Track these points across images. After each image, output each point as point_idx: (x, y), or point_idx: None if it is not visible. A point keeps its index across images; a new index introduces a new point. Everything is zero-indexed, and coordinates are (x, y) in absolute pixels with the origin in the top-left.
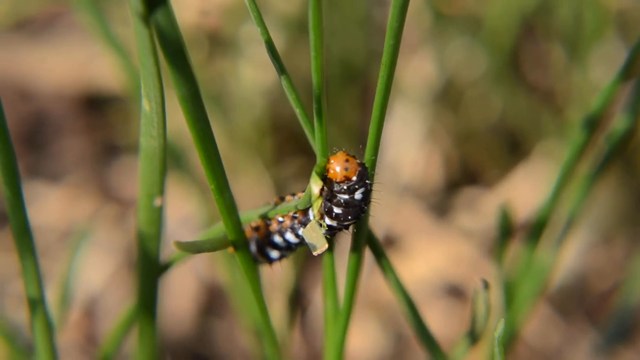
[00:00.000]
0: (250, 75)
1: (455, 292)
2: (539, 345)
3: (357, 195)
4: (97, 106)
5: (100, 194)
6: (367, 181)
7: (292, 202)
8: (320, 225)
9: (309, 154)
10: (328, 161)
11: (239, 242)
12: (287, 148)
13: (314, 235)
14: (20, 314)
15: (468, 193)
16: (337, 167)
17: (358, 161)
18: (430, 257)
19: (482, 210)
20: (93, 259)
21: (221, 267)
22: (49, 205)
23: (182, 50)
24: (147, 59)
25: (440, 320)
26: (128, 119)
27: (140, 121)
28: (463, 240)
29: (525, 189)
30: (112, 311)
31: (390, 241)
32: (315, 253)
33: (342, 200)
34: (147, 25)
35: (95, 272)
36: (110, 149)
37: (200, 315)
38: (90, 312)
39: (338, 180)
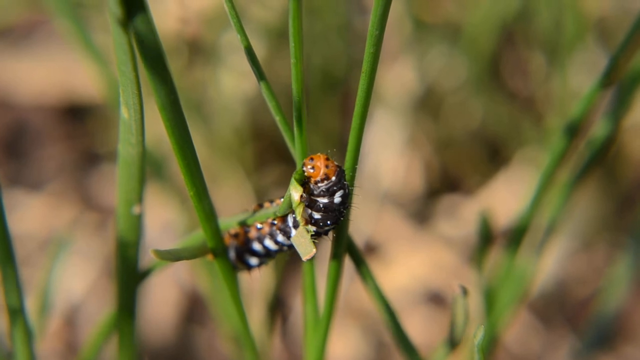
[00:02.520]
0: (231, 83)
1: (436, 299)
2: (519, 352)
3: (336, 198)
4: (77, 114)
5: (81, 202)
6: (345, 183)
7: (271, 209)
8: (307, 230)
9: (290, 162)
10: (307, 160)
11: (218, 250)
12: (268, 156)
13: (302, 241)
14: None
15: (448, 200)
16: (316, 165)
17: (336, 163)
18: (411, 264)
19: (462, 217)
20: (73, 267)
21: (202, 275)
22: (30, 214)
23: (161, 56)
24: (125, 65)
25: (422, 327)
26: (108, 127)
27: (119, 129)
28: (444, 248)
29: (506, 196)
30: (93, 319)
31: (371, 249)
32: (304, 259)
33: (321, 205)
34: (126, 31)
35: (76, 280)
36: (90, 157)
37: (181, 323)
38: (71, 320)
39: (317, 178)
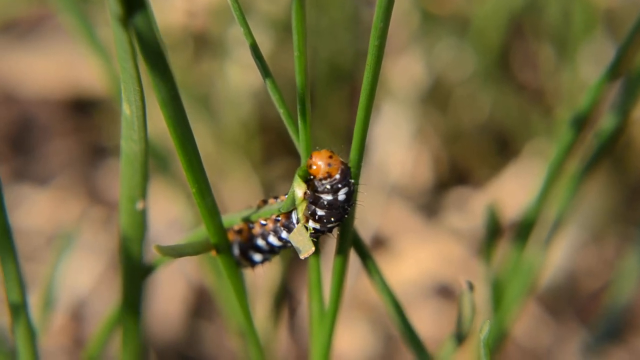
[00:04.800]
0: (238, 77)
1: (444, 292)
2: (529, 345)
3: (341, 195)
4: (83, 108)
5: (87, 197)
6: (350, 180)
7: (275, 205)
8: (306, 228)
9: (297, 155)
10: (310, 157)
11: (221, 246)
12: (275, 149)
13: (300, 239)
14: (2, 318)
15: (457, 193)
16: (319, 162)
17: (341, 159)
18: (420, 257)
19: (471, 210)
20: (80, 261)
21: (209, 270)
22: (36, 208)
23: (162, 53)
24: (126, 62)
25: (430, 321)
26: (114, 121)
27: (121, 125)
28: (452, 241)
29: (515, 189)
30: (99, 314)
31: (379, 242)
32: (302, 256)
33: (325, 202)
34: (126, 28)
35: (82, 275)
36: (96, 152)
37: (188, 318)
38: (77, 315)
39: (320, 176)
